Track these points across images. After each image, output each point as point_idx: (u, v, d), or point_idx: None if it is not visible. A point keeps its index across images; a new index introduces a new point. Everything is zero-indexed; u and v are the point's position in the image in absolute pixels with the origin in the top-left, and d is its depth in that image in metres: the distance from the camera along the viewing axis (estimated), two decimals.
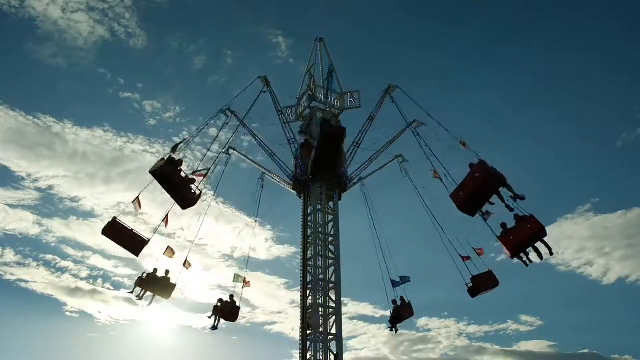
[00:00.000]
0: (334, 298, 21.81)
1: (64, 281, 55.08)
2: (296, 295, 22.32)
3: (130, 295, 19.91)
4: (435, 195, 21.35)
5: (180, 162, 18.41)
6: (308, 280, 21.97)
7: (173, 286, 20.01)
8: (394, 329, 22.79)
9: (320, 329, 20.95)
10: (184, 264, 20.64)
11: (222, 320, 21.86)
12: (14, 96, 61.98)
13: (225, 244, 57.72)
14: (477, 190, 15.74)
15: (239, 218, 54.77)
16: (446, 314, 58.27)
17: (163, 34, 66.56)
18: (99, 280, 57.53)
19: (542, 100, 63.28)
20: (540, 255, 16.27)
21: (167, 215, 19.60)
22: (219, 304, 21.77)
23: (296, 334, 21.76)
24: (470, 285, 19.60)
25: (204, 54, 65.77)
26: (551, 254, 16.21)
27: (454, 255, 20.27)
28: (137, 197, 19.02)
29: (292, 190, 24.27)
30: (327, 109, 25.37)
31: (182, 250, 21.06)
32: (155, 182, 18.31)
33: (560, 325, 60.45)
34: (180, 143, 19.33)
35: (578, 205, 58.35)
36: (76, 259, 55.83)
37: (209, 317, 21.49)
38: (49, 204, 56.19)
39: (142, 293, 19.64)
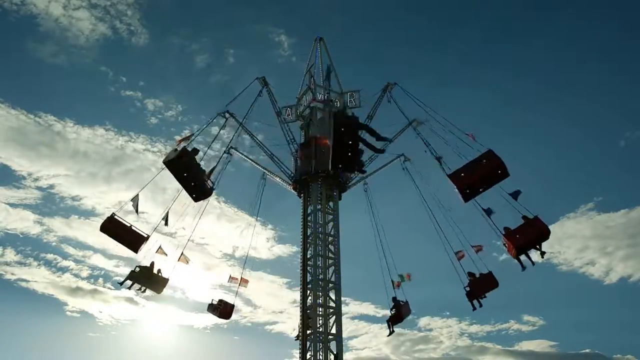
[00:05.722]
0: (334, 298, 21.85)
1: (65, 281, 55.13)
2: (298, 295, 22.35)
3: (131, 295, 20.07)
4: (437, 193, 21.36)
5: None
6: (308, 280, 21.99)
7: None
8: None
9: (320, 329, 20.98)
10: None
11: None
12: (15, 95, 62.23)
13: (226, 243, 57.71)
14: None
15: (241, 217, 54.82)
16: (448, 313, 58.16)
17: (165, 32, 66.58)
18: (100, 280, 57.55)
19: (542, 99, 63.23)
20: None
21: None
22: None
23: (295, 334, 21.80)
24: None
25: (206, 53, 65.69)
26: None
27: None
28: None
29: (292, 191, 24.30)
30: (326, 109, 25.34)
31: (184, 250, 21.07)
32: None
33: (562, 325, 60.41)
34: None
35: (580, 204, 58.14)
36: (77, 258, 55.85)
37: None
38: (50, 203, 56.26)
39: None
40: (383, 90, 24.28)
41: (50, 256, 54.36)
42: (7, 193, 52.35)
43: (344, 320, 22.12)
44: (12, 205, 52.48)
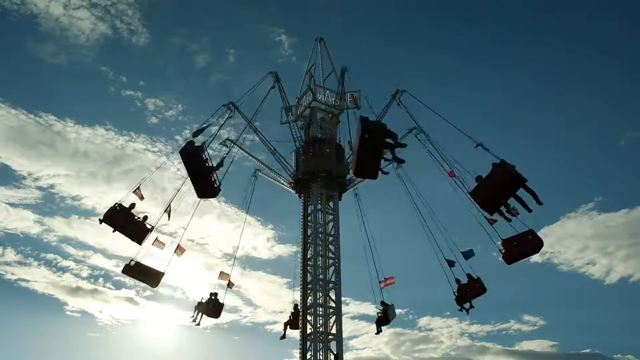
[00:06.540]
0: (334, 298, 21.85)
1: (65, 281, 55.06)
2: (298, 295, 22.36)
3: (132, 295, 19.84)
4: (433, 196, 21.60)
5: None
6: (308, 280, 22.01)
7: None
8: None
9: (321, 329, 21.00)
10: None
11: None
12: (15, 94, 62.26)
13: (227, 243, 57.72)
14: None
15: (241, 217, 54.81)
16: (448, 313, 57.98)
17: (165, 32, 66.68)
18: (100, 280, 57.56)
19: (543, 99, 63.30)
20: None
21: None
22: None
23: (297, 334, 21.81)
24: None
25: (206, 52, 65.71)
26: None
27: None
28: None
29: (292, 190, 24.32)
30: (327, 109, 25.33)
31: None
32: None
33: (562, 324, 60.39)
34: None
35: (581, 204, 58.17)
36: (77, 258, 55.76)
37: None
38: (50, 203, 56.15)
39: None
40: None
41: (50, 256, 54.36)
42: (7, 193, 52.39)
43: (344, 320, 22.22)
44: (12, 205, 52.50)
